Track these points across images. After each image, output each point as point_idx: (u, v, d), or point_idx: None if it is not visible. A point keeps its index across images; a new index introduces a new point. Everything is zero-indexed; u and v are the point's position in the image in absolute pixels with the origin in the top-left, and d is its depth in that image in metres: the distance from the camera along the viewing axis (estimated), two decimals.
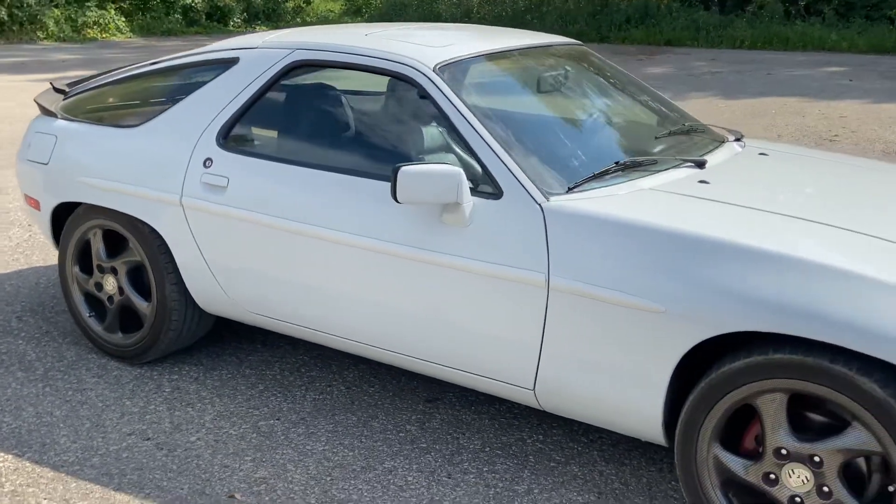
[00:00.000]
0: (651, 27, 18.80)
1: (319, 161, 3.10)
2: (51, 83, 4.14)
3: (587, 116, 3.42)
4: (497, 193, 2.77)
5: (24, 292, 4.40)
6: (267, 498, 2.79)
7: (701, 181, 2.93)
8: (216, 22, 22.04)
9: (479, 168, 2.83)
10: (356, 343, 3.11)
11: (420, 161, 2.88)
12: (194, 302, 3.47)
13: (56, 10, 18.61)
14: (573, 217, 2.66)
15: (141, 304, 3.53)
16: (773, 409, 2.39)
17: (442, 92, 2.95)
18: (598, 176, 2.85)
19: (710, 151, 3.32)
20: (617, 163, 2.93)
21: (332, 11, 25.30)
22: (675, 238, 2.52)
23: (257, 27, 22.10)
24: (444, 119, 2.93)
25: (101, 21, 19.35)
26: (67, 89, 4.00)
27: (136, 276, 3.56)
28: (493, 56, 3.26)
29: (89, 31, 19.06)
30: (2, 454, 3.00)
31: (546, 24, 19.87)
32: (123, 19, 20.10)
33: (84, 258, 3.69)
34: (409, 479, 2.91)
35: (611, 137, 3.31)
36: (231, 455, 3.03)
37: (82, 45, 17.94)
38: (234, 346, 3.84)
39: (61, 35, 18.43)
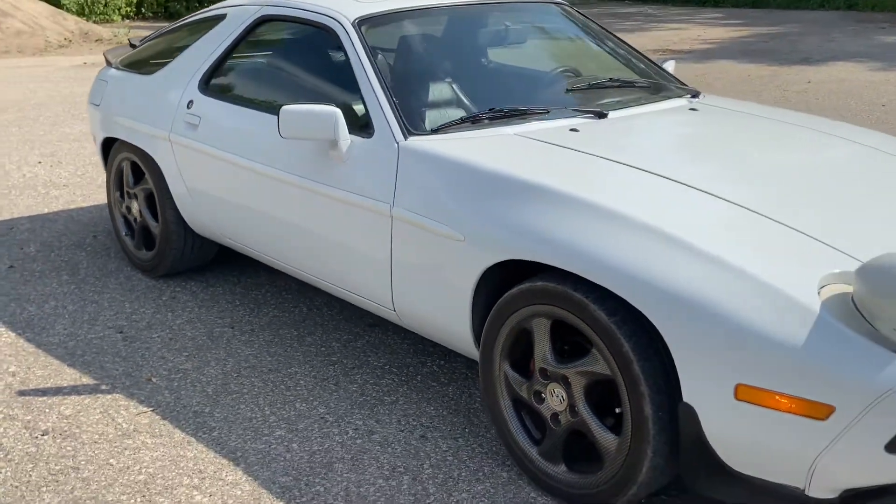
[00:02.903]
0: None
1: (253, 102, 3.57)
2: (129, 40, 4.88)
3: (499, 69, 3.62)
4: (371, 133, 3.10)
5: None
6: (176, 384, 3.32)
7: (572, 129, 3.09)
8: None
9: (365, 110, 3.17)
10: (275, 261, 3.56)
11: (306, 102, 3.25)
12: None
13: None
14: (417, 155, 2.94)
15: (153, 226, 4.18)
16: (540, 332, 2.59)
17: (352, 42, 3.31)
18: (467, 120, 3.10)
19: (640, 104, 3.43)
20: (492, 109, 3.15)
21: None
22: (479, 174, 2.75)
23: None
24: (349, 66, 3.28)
25: None
26: (137, 44, 4.71)
27: (152, 202, 4.20)
28: (421, 11, 3.54)
29: None
30: (9, 332, 3.73)
31: None
32: None
33: (121, 185, 4.38)
34: (301, 382, 3.33)
35: (514, 88, 3.51)
36: (174, 350, 3.58)
37: None
38: (241, 270, 4.40)
39: None
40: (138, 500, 2.65)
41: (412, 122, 3.07)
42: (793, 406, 2.13)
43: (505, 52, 3.76)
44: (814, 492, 2.19)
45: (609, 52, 3.90)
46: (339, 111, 3.05)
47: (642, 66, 3.88)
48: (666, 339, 2.26)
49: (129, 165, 4.28)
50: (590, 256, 2.39)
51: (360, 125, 3.15)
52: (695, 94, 3.70)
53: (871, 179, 2.88)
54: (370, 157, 3.06)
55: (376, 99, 3.13)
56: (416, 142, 2.99)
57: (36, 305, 4.01)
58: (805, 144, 3.17)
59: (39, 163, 6.51)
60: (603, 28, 4.05)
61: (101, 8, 17.60)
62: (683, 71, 10.99)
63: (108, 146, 4.47)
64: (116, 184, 4.40)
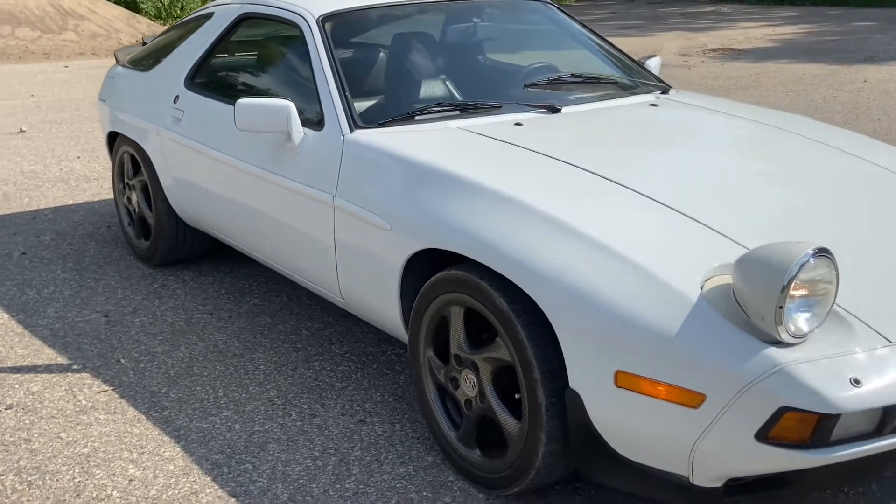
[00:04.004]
0: None
1: (226, 96, 3.70)
2: (142, 38, 5.09)
3: (462, 64, 3.67)
4: (322, 126, 3.20)
5: None
6: (142, 365, 3.47)
7: (516, 123, 3.14)
8: None
9: (318, 104, 3.27)
10: (248, 250, 3.69)
11: (261, 95, 3.37)
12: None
13: None
14: (358, 147, 3.03)
15: (149, 216, 4.36)
16: (455, 319, 2.65)
17: (314, 38, 3.41)
18: (412, 114, 3.17)
19: (600, 100, 3.46)
20: (440, 104, 3.22)
21: None
22: (406, 165, 2.83)
23: None
24: (309, 62, 3.39)
25: None
26: (147, 42, 4.91)
27: (148, 193, 4.38)
28: (388, 8, 3.63)
29: None
30: (3, 314, 3.95)
31: None
32: None
33: (123, 177, 4.58)
34: (262, 367, 3.45)
35: (474, 82, 3.56)
36: (150, 334, 3.74)
37: None
38: (235, 260, 4.54)
39: None
40: (77, 471, 2.80)
41: (363, 116, 3.16)
42: (668, 394, 2.15)
43: (477, 49, 3.81)
44: (697, 480, 2.20)
45: (585, 49, 3.92)
46: (291, 105, 3.16)
47: (619, 63, 3.89)
48: (553, 324, 2.30)
49: (128, 158, 4.47)
50: (489, 244, 2.44)
51: (317, 119, 3.25)
52: (664, 91, 3.70)
53: (810, 176, 2.86)
54: (320, 149, 3.16)
55: (329, 92, 3.22)
56: (360, 135, 3.07)
57: (35, 290, 4.23)
58: (751, 141, 3.16)
59: (78, 157, 6.81)
60: (582, 24, 4.07)
61: (178, 11, 18.15)
62: (738, 70, 10.83)
63: (114, 140, 4.67)
64: (119, 176, 4.60)
